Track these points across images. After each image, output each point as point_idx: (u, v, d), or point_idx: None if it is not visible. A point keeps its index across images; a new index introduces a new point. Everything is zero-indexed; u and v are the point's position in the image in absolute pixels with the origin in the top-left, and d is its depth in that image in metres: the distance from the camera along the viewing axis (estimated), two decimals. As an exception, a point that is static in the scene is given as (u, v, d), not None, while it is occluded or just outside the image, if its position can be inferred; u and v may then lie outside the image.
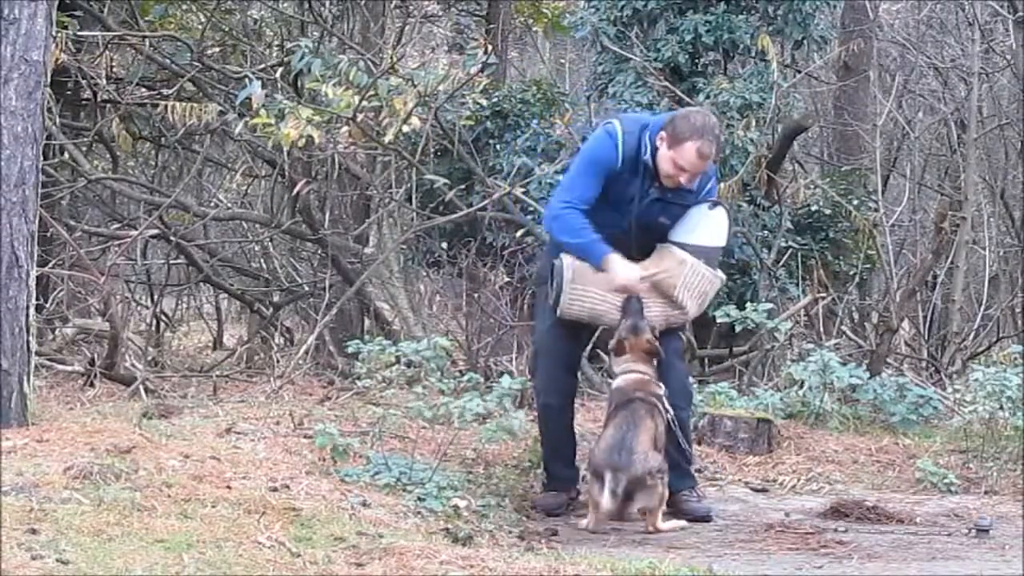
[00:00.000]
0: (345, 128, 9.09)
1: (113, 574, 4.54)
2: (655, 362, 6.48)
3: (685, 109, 6.52)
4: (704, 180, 6.42)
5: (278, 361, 10.13)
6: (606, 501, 6.11)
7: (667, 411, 6.38)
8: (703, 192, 6.46)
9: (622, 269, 6.38)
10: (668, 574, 5.13)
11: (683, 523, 6.33)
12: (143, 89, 11.21)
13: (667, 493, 6.27)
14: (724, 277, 6.72)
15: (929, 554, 5.86)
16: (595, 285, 6.47)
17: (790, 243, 10.75)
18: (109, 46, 10.65)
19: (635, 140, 6.34)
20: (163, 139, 11.62)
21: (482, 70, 9.39)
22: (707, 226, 6.49)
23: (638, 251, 6.51)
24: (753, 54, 10.82)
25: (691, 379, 7.04)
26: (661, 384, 6.45)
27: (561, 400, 6.68)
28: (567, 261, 6.48)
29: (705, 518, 6.45)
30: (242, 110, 9.32)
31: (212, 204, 12.71)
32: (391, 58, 9.21)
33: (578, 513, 6.39)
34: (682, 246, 6.46)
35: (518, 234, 10.05)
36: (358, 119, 8.93)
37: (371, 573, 4.83)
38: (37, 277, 6.97)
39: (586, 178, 6.42)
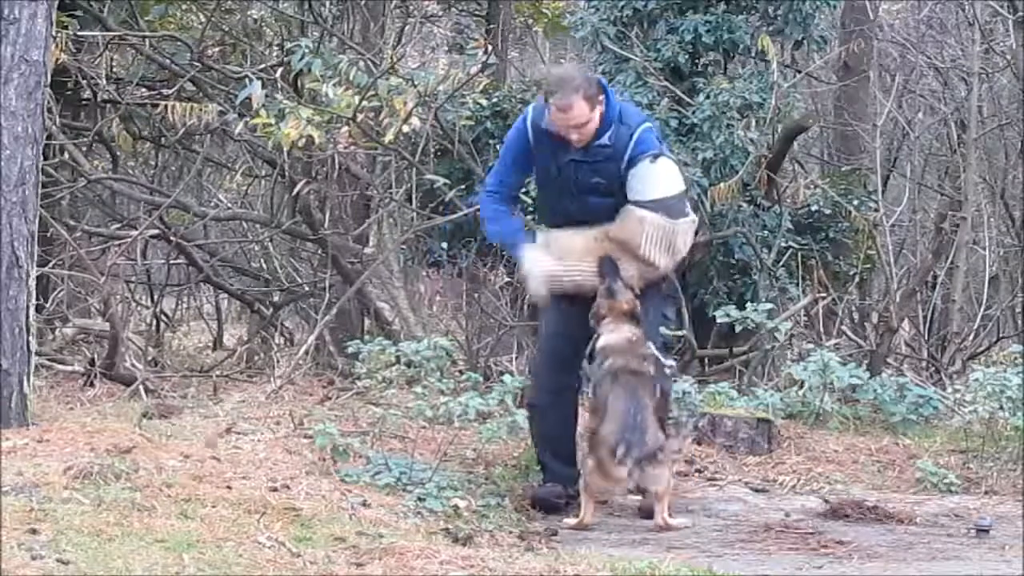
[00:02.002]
0: (345, 128, 9.09)
1: (113, 574, 4.54)
2: (638, 321, 6.50)
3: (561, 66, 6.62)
4: (624, 133, 6.40)
5: (278, 361, 10.13)
6: (620, 472, 6.12)
7: (666, 366, 6.47)
8: (630, 147, 6.41)
9: (531, 261, 6.54)
10: (668, 574, 5.14)
11: (688, 522, 6.34)
12: (143, 89, 11.21)
13: (673, 481, 6.31)
14: (695, 219, 6.70)
15: (929, 554, 5.86)
16: (572, 256, 6.54)
17: (790, 243, 10.74)
18: (109, 46, 10.64)
19: (540, 111, 6.46)
20: (163, 139, 11.60)
21: (482, 70, 9.40)
22: (656, 178, 6.45)
23: (597, 217, 6.55)
24: (753, 54, 10.82)
25: (670, 381, 6.90)
26: (650, 344, 6.46)
27: (548, 398, 6.67)
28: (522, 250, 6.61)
29: None
30: (242, 110, 9.32)
31: (212, 204, 12.70)
32: (391, 58, 9.21)
33: (574, 513, 6.38)
34: (639, 204, 6.45)
35: (518, 234, 10.03)
36: (358, 119, 8.94)
37: (371, 573, 4.83)
38: (37, 277, 6.98)
39: (503, 161, 6.69)
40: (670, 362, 6.59)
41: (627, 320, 6.46)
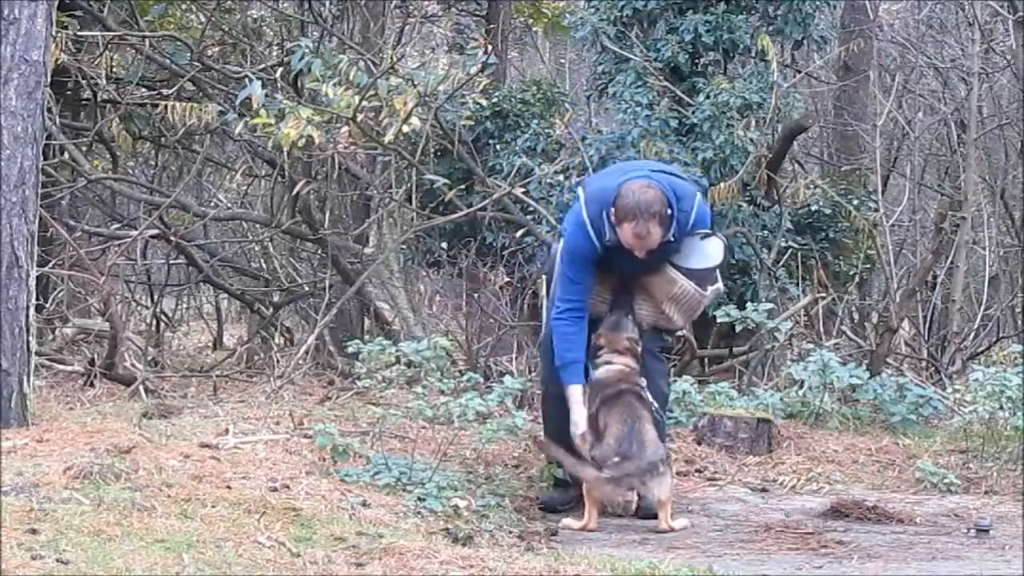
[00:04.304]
0: (345, 128, 9.09)
1: (113, 574, 4.54)
2: (636, 359, 6.50)
3: (627, 185, 6.31)
4: (684, 219, 6.39)
5: (278, 361, 10.12)
6: (628, 493, 6.12)
7: (652, 403, 6.42)
8: (687, 228, 6.44)
9: (575, 414, 6.42)
10: (668, 574, 5.13)
11: (688, 522, 6.34)
12: (143, 89, 11.22)
13: (673, 483, 6.32)
14: (720, 287, 6.75)
15: (929, 554, 5.86)
16: None
17: (790, 243, 10.75)
18: (109, 46, 10.65)
19: (600, 224, 6.36)
20: (163, 139, 11.61)
21: (482, 70, 9.40)
22: (699, 253, 6.55)
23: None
24: (753, 54, 10.82)
25: (668, 382, 6.99)
26: (643, 378, 6.46)
27: (561, 389, 6.66)
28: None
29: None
30: (242, 110, 9.32)
31: (212, 204, 12.71)
32: (391, 58, 9.22)
33: (575, 515, 6.37)
34: (676, 267, 6.54)
35: (518, 234, 10.06)
36: (358, 119, 8.94)
37: (371, 573, 4.83)
38: (37, 277, 6.98)
39: (581, 280, 6.49)
40: (656, 404, 6.53)
41: (623, 355, 6.47)
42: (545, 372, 6.84)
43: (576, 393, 6.45)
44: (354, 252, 10.77)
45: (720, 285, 6.72)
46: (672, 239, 6.39)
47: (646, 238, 6.27)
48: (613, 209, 6.28)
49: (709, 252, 6.58)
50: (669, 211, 6.29)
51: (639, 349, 6.51)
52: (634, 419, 6.26)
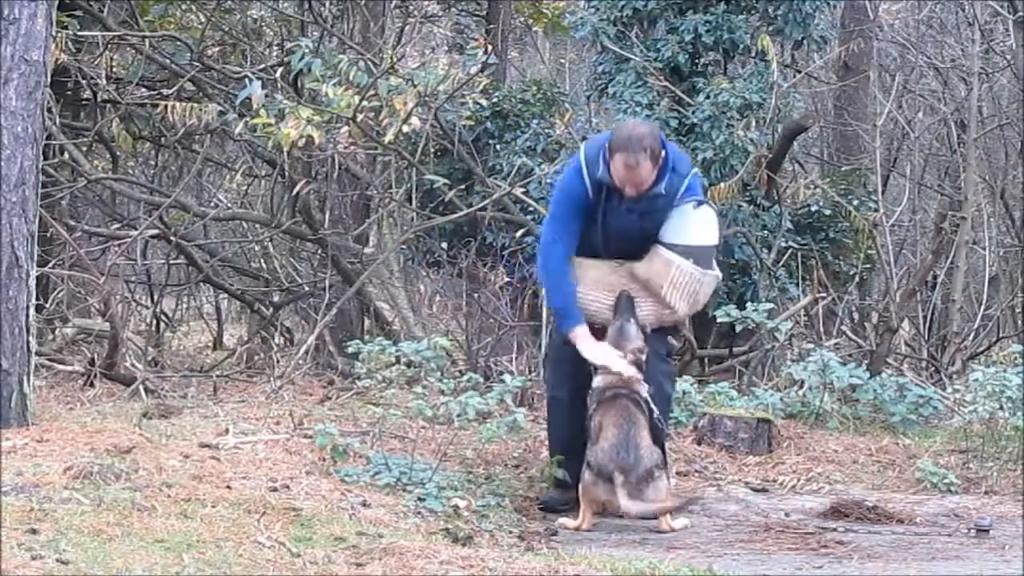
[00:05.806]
0: (345, 128, 9.09)
1: (113, 574, 4.54)
2: (641, 368, 6.45)
3: (624, 122, 6.43)
4: (676, 182, 6.40)
5: (278, 361, 10.12)
6: (623, 500, 6.10)
7: (652, 410, 6.39)
8: (680, 194, 6.43)
9: (590, 349, 6.40)
10: (668, 574, 5.14)
11: (687, 522, 6.34)
12: (143, 89, 11.22)
13: (671, 484, 6.31)
14: (719, 275, 6.69)
15: (929, 554, 5.86)
16: (585, 284, 6.50)
17: (790, 243, 10.75)
18: (109, 46, 10.65)
19: (596, 164, 6.38)
20: (163, 139, 11.61)
21: (482, 70, 9.41)
22: (694, 226, 6.48)
23: (631, 258, 6.54)
24: (753, 54, 10.83)
25: (673, 383, 6.95)
26: (645, 384, 6.44)
27: (568, 393, 6.63)
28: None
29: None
30: (242, 110, 9.32)
31: (212, 204, 12.70)
32: (391, 58, 9.22)
33: (573, 513, 6.37)
34: (671, 247, 6.47)
35: (518, 234, 10.06)
36: (358, 119, 8.94)
37: (371, 573, 4.83)
38: (37, 277, 6.98)
39: (566, 211, 6.50)
40: (657, 412, 6.50)
41: (629, 361, 6.43)
42: (551, 379, 6.82)
43: (583, 331, 6.42)
44: (354, 252, 10.77)
45: (718, 272, 6.65)
46: (663, 192, 6.36)
47: (636, 170, 6.26)
48: (608, 144, 6.32)
49: (703, 225, 6.51)
50: (663, 152, 6.31)
51: (643, 359, 6.46)
52: (629, 424, 6.24)
